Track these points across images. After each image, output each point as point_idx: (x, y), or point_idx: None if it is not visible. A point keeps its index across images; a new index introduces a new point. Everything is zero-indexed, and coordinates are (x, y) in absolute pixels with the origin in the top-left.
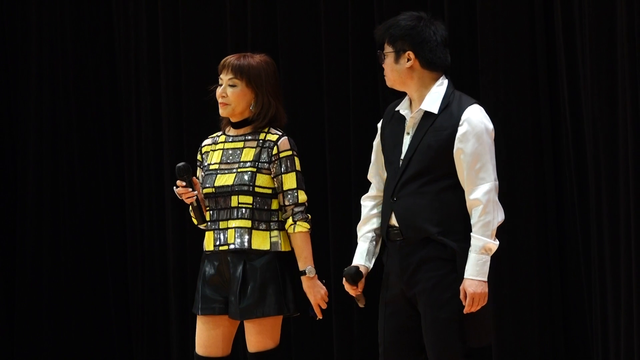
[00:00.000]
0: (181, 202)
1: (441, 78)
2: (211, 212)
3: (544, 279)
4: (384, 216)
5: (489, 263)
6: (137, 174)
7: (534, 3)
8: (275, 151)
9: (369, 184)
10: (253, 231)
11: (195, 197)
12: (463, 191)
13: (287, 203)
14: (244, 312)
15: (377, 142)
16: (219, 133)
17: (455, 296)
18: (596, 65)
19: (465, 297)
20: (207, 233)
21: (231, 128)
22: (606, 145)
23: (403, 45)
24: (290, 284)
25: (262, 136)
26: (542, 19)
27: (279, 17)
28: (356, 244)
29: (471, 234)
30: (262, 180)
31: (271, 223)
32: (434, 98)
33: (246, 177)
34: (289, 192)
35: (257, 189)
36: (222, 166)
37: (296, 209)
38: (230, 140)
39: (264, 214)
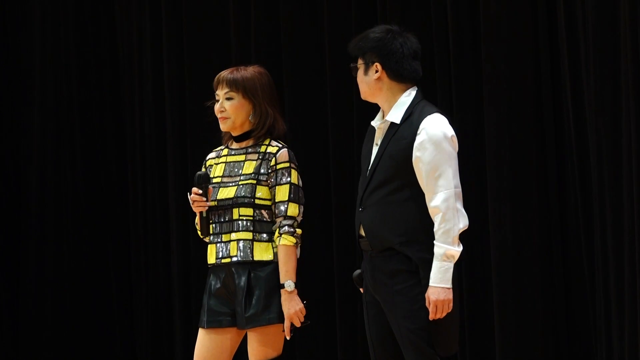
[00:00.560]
0: (186, 208)
1: (410, 89)
2: (214, 225)
3: (547, 280)
4: (356, 227)
5: (452, 270)
6: (141, 180)
7: (537, 16)
8: (273, 163)
9: None
10: (254, 243)
11: (206, 208)
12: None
13: (277, 214)
14: (249, 320)
15: None
16: (223, 147)
17: (423, 307)
18: (600, 74)
19: (430, 304)
20: (209, 246)
21: (233, 142)
22: (609, 152)
23: (371, 57)
24: None
25: (262, 149)
26: (546, 31)
27: (282, 22)
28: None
29: (434, 241)
30: (263, 192)
31: (272, 234)
32: (399, 108)
33: (247, 190)
34: (280, 203)
35: (257, 201)
36: (225, 179)
37: (284, 222)
38: (232, 153)
39: (264, 225)
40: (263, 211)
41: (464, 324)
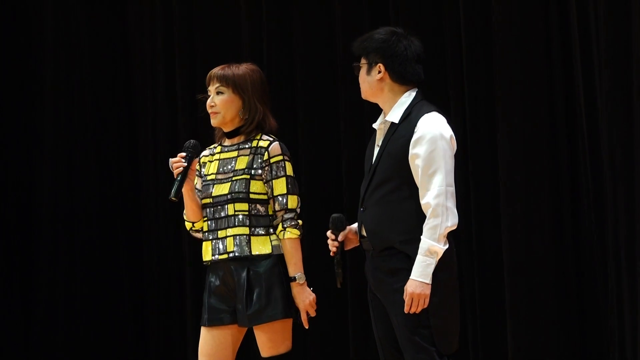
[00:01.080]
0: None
1: (410, 91)
2: (209, 222)
3: (559, 280)
4: (358, 227)
5: (433, 266)
6: (153, 179)
7: (549, 16)
8: (266, 157)
9: None
10: (251, 237)
11: (182, 171)
12: None
13: (277, 208)
14: (252, 318)
15: None
16: (216, 145)
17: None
18: (613, 81)
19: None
20: (204, 243)
21: (225, 139)
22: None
23: (375, 58)
24: None
25: (254, 143)
26: (558, 30)
27: (294, 24)
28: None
29: (421, 236)
30: (257, 186)
31: (270, 228)
32: (398, 108)
33: (241, 185)
34: (279, 197)
35: (252, 196)
36: (219, 176)
37: (286, 215)
38: (225, 150)
39: (261, 219)
40: (258, 205)
41: (477, 323)
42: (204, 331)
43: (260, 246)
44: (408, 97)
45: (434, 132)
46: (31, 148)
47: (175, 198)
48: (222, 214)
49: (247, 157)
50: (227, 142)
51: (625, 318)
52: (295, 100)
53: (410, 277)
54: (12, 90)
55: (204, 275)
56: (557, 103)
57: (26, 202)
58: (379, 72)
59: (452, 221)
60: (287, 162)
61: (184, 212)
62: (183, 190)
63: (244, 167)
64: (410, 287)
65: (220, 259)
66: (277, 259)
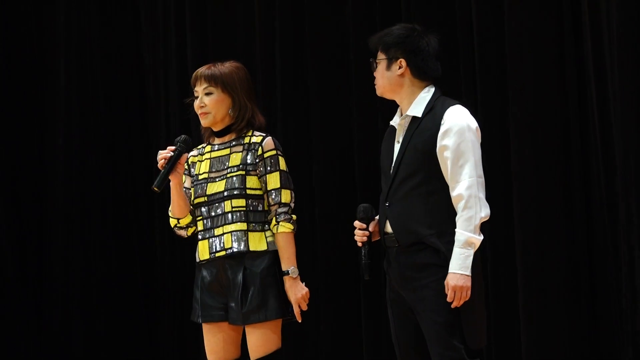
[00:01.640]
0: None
1: (429, 87)
2: (204, 220)
3: (572, 280)
4: (380, 224)
5: (471, 257)
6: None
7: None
8: (259, 152)
9: None
10: (249, 233)
11: (168, 163)
12: None
13: (271, 203)
14: (246, 317)
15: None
16: (204, 144)
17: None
18: (625, 77)
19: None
20: (200, 242)
21: (215, 137)
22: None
23: (395, 53)
24: None
25: (246, 140)
26: (570, 24)
27: (307, 23)
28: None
29: (455, 229)
30: (252, 182)
31: (265, 223)
32: (419, 103)
33: (237, 181)
34: (273, 191)
35: (248, 191)
36: (212, 174)
37: (279, 209)
38: (216, 149)
39: (257, 215)
40: (255, 201)
41: (490, 323)
42: (206, 329)
43: (257, 242)
44: (427, 93)
45: (462, 124)
46: (44, 147)
47: (157, 188)
48: (219, 212)
49: (241, 153)
50: (217, 141)
51: (638, 318)
52: (309, 99)
53: (450, 271)
54: (25, 90)
55: None
56: (570, 102)
57: (40, 201)
58: (400, 67)
59: (485, 211)
60: (280, 157)
61: (170, 208)
62: (171, 185)
63: (239, 163)
64: (452, 281)
65: (217, 257)
66: (273, 256)
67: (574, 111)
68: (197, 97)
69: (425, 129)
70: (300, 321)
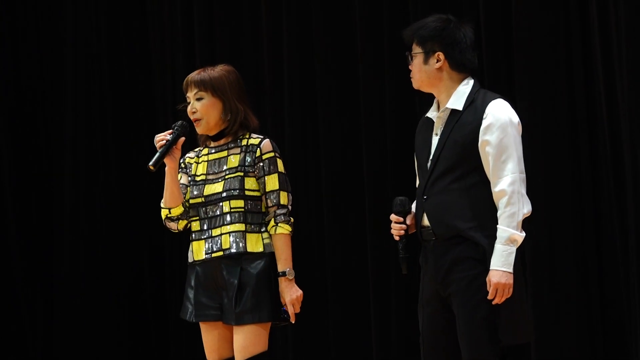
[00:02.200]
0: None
1: (467, 79)
2: (200, 221)
3: (582, 278)
4: (417, 217)
5: (514, 254)
6: None
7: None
8: (258, 153)
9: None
10: (247, 234)
11: (166, 144)
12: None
13: (269, 204)
14: (239, 317)
15: (415, 153)
16: (201, 147)
17: (487, 296)
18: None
19: (491, 287)
20: (194, 243)
21: (211, 141)
22: None
23: (433, 46)
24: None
25: (244, 142)
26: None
27: (314, 23)
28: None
29: (497, 225)
30: (250, 183)
31: (262, 225)
32: (459, 96)
33: (235, 182)
34: (271, 193)
35: (247, 192)
36: (210, 176)
37: (278, 211)
38: (213, 151)
39: (255, 216)
40: (253, 202)
41: None
42: (203, 329)
43: (254, 244)
44: (467, 85)
45: (504, 119)
46: (52, 145)
47: (153, 167)
48: (217, 212)
49: (239, 155)
50: (213, 144)
51: None
52: (316, 99)
53: (492, 268)
54: (33, 90)
55: None
56: (578, 102)
57: (47, 198)
58: (438, 60)
59: (527, 208)
60: (278, 159)
61: (162, 201)
62: (166, 170)
63: (237, 164)
64: (494, 278)
65: (214, 257)
66: (269, 259)
67: (581, 109)
68: (189, 103)
69: (466, 122)
70: (293, 322)
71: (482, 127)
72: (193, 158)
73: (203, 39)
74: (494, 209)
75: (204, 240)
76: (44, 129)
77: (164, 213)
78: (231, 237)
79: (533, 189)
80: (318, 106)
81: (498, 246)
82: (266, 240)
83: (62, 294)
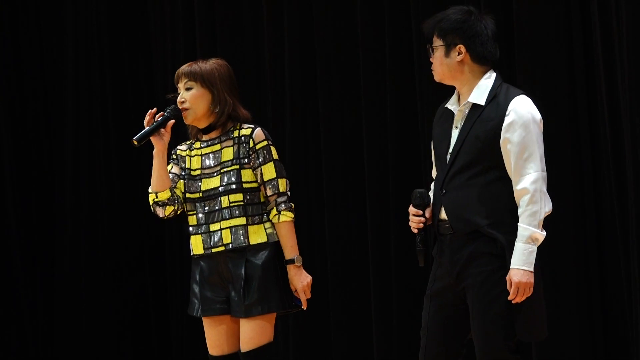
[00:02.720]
0: None
1: (489, 71)
2: (198, 216)
3: (583, 276)
4: (434, 210)
5: (535, 253)
6: None
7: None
8: (251, 144)
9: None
10: (249, 227)
11: (155, 123)
12: (512, 183)
13: (269, 193)
14: (248, 310)
15: (432, 142)
16: (192, 141)
17: (504, 292)
18: (634, 62)
19: (512, 286)
20: (193, 237)
21: (202, 135)
22: None
23: (454, 39)
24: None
25: (235, 133)
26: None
27: (314, 18)
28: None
29: (518, 223)
30: (247, 175)
31: (263, 215)
32: (481, 90)
33: (233, 176)
34: (270, 182)
35: (245, 185)
36: (205, 171)
37: (279, 199)
38: (205, 145)
39: (255, 207)
40: (252, 194)
41: None
42: (206, 323)
43: (257, 235)
44: (489, 79)
45: (527, 117)
46: (53, 142)
47: (137, 142)
48: (215, 207)
49: (232, 147)
50: (205, 138)
51: None
52: (317, 94)
53: (513, 266)
54: (34, 86)
55: None
56: (579, 95)
57: (48, 196)
58: (459, 53)
59: (549, 206)
60: (272, 147)
61: (150, 187)
62: (154, 152)
63: (232, 157)
64: (515, 277)
65: (215, 252)
66: (274, 248)
67: (582, 104)
68: (179, 94)
69: (489, 118)
70: (305, 309)
71: (504, 124)
72: (185, 151)
73: (204, 37)
74: (512, 205)
75: (200, 235)
76: (45, 126)
77: (151, 198)
78: (232, 231)
79: None
80: (319, 103)
81: (519, 245)
82: (269, 230)
83: (63, 291)
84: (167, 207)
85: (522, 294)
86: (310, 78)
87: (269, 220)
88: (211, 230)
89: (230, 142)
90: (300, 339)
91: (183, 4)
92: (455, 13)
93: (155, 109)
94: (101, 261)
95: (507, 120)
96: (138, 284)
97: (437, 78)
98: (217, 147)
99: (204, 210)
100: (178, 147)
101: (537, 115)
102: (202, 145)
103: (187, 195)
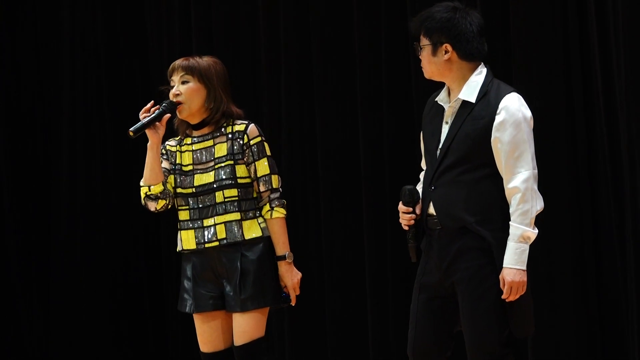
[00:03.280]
0: None
1: (480, 67)
2: (190, 211)
3: (579, 274)
4: (423, 205)
5: (527, 252)
6: None
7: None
8: (245, 140)
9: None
10: (243, 222)
11: (151, 116)
12: (501, 180)
13: (262, 189)
14: (244, 304)
15: (421, 133)
16: (181, 137)
17: (493, 286)
18: (630, 58)
19: (504, 285)
20: (184, 232)
21: (193, 130)
22: None
23: (440, 38)
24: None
25: (229, 129)
26: (576, 18)
27: (311, 16)
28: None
29: (510, 222)
30: (241, 171)
31: (257, 210)
32: (472, 87)
33: (227, 172)
34: (263, 178)
35: (239, 180)
36: (198, 166)
37: (272, 195)
38: (197, 141)
39: (249, 203)
40: (246, 189)
41: None
42: (198, 320)
43: (251, 230)
44: (479, 75)
45: (518, 115)
46: (49, 141)
47: (133, 133)
48: (208, 203)
49: (225, 143)
50: (196, 134)
51: None
52: (313, 93)
53: (506, 265)
54: (30, 86)
55: None
56: (575, 93)
57: (44, 194)
58: (446, 52)
59: (540, 204)
60: (265, 143)
61: (142, 180)
62: (148, 145)
63: (226, 153)
64: (508, 276)
65: (209, 247)
66: (268, 242)
67: (579, 99)
68: (172, 86)
69: (479, 116)
70: (294, 305)
71: (495, 122)
72: (175, 146)
73: (200, 37)
74: (502, 202)
75: (193, 230)
76: (41, 124)
77: (143, 191)
78: (227, 226)
79: None
80: (315, 102)
81: (511, 244)
82: (262, 225)
83: (59, 289)
84: (160, 200)
85: (516, 292)
86: (306, 77)
87: (261, 215)
88: (205, 225)
89: (224, 138)
90: (296, 337)
91: (179, 3)
92: (439, 11)
93: (152, 101)
94: (97, 259)
95: (498, 119)
96: (134, 281)
97: (426, 75)
98: (210, 143)
99: (197, 205)
100: (167, 142)
101: (528, 114)
102: (193, 141)
103: (179, 190)
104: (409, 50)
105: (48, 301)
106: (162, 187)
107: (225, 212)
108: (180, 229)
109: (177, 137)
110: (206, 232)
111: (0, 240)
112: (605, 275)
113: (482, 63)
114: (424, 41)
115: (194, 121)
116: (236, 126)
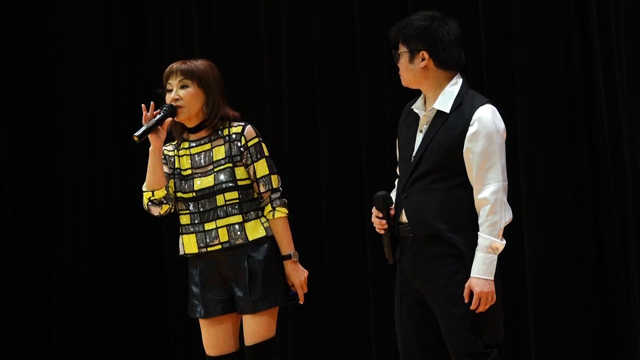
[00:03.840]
0: None
1: (455, 77)
2: (191, 215)
3: (582, 278)
4: (396, 212)
5: (495, 262)
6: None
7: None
8: (243, 141)
9: None
10: (245, 224)
11: (154, 120)
12: (472, 189)
13: (263, 190)
14: (255, 305)
15: (397, 140)
16: (177, 141)
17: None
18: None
19: (470, 295)
20: (185, 236)
21: (189, 134)
22: None
23: (417, 45)
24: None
25: (225, 132)
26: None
27: (312, 15)
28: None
29: (478, 233)
30: (240, 173)
31: (259, 210)
32: (446, 97)
33: (226, 174)
34: (263, 179)
35: (239, 183)
36: (197, 170)
37: (273, 195)
38: (194, 145)
39: (249, 204)
40: (246, 191)
41: None
42: (204, 324)
43: (255, 230)
44: (455, 85)
45: (490, 127)
46: (51, 139)
47: (138, 138)
48: (209, 206)
49: (223, 146)
50: (192, 137)
51: None
52: (315, 93)
53: (473, 275)
54: (31, 86)
55: None
56: (577, 97)
57: (46, 193)
58: (423, 59)
59: (509, 216)
60: (262, 144)
61: (144, 185)
62: (150, 150)
63: (224, 156)
64: (477, 287)
65: (212, 250)
66: (272, 241)
67: (580, 101)
68: (170, 90)
69: (453, 127)
70: (302, 303)
71: (468, 133)
72: (172, 151)
73: (201, 36)
74: (473, 210)
75: (195, 234)
76: (43, 125)
77: (146, 196)
78: (228, 229)
79: (532, 188)
80: (317, 102)
81: (480, 254)
82: (266, 224)
83: (61, 290)
84: (164, 205)
85: (485, 303)
86: (308, 77)
87: (264, 215)
88: (206, 229)
89: (221, 141)
90: (298, 337)
91: (180, 3)
92: (418, 20)
93: (152, 102)
94: (99, 260)
95: (471, 130)
96: (136, 282)
97: (404, 83)
98: (207, 146)
99: (198, 209)
100: (164, 147)
101: (501, 126)
102: (190, 145)
103: (179, 194)
104: None
105: (50, 303)
106: (165, 192)
107: (227, 215)
108: (182, 233)
109: (174, 141)
110: (208, 236)
111: (2, 241)
112: (607, 274)
113: (459, 73)
114: (402, 48)
115: (190, 124)
116: (233, 128)
